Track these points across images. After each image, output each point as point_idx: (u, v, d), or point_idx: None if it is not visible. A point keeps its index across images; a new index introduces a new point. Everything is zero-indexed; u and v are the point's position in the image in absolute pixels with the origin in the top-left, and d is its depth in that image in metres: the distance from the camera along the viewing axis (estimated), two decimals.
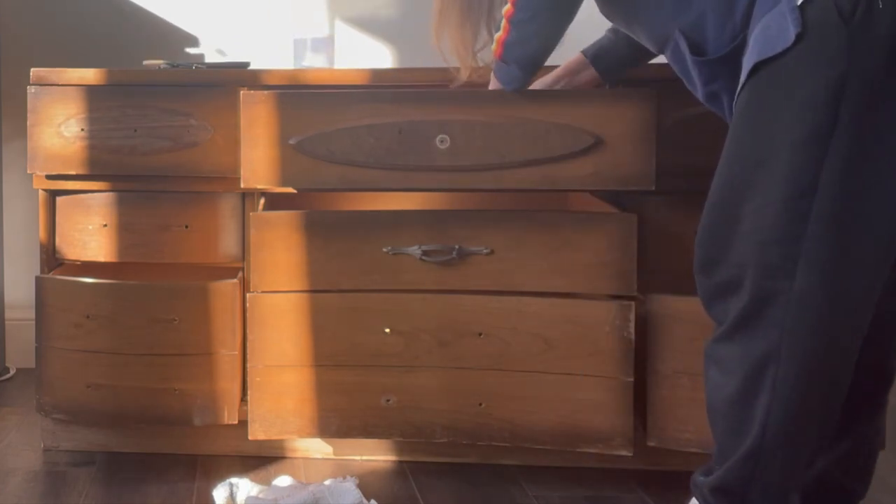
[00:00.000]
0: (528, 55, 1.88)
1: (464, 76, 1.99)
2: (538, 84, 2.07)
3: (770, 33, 1.54)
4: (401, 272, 2.04)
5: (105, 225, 2.21)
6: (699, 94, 1.75)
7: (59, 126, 2.19)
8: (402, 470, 2.17)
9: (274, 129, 2.04)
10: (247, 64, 2.40)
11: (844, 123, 1.48)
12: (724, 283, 1.60)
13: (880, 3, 1.47)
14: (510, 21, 1.83)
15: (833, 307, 1.52)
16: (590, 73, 2.06)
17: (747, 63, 1.58)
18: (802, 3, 1.51)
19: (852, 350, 1.56)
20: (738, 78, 1.60)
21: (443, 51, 1.96)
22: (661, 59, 1.87)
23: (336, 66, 2.61)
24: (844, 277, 1.52)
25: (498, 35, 1.86)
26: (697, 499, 1.67)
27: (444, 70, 2.03)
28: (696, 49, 1.69)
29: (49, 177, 2.23)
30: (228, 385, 2.15)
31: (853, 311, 1.54)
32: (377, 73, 2.19)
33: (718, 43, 1.66)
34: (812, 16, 1.50)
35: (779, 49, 1.52)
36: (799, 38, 1.50)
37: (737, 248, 1.57)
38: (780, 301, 1.53)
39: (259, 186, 2.10)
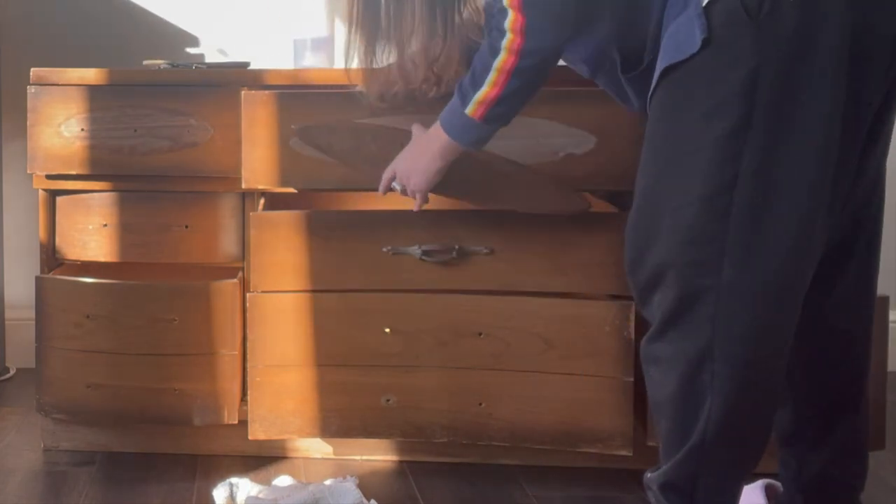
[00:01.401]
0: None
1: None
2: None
3: (679, 38, 1.55)
4: (401, 272, 2.04)
5: (105, 225, 2.21)
6: (636, 107, 1.76)
7: (59, 126, 2.19)
8: (402, 470, 2.17)
9: (274, 129, 2.04)
10: (247, 64, 2.39)
11: (758, 118, 1.50)
12: (653, 283, 1.61)
13: None
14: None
15: (762, 299, 1.53)
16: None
17: (658, 67, 1.59)
18: (707, 4, 1.52)
19: (786, 339, 1.57)
20: None
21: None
22: None
23: (336, 66, 2.60)
24: (770, 268, 1.53)
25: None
26: (648, 495, 1.68)
27: None
28: (625, 67, 1.71)
29: (49, 177, 2.23)
30: (228, 385, 2.15)
31: (783, 301, 1.55)
32: None
33: (643, 56, 1.68)
34: (718, 17, 1.51)
35: (687, 54, 1.54)
36: (706, 41, 1.52)
37: (661, 247, 1.58)
38: (710, 297, 1.54)
39: (259, 186, 2.10)
